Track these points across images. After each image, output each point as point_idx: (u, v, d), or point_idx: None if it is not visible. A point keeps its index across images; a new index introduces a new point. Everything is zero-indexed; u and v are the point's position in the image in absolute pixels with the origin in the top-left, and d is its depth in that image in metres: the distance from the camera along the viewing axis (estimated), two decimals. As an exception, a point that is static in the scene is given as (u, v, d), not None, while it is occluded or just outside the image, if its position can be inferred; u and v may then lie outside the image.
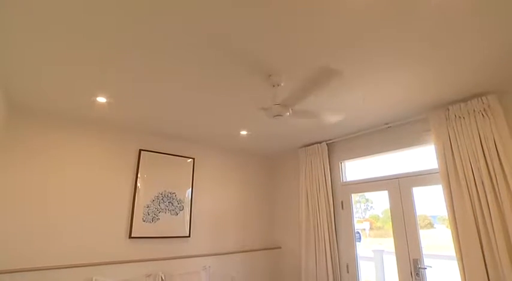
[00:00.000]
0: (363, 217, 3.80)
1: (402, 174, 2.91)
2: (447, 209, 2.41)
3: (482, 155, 2.24)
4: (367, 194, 3.73)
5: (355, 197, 3.39)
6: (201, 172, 3.56)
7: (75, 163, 2.74)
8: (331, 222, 3.28)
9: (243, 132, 3.20)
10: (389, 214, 2.93)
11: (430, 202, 2.84)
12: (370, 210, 3.83)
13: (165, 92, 2.26)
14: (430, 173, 2.69)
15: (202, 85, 2.14)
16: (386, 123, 2.98)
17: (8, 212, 2.36)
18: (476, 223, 2.23)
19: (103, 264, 2.67)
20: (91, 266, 2.61)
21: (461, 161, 2.35)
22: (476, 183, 2.25)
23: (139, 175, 3.02)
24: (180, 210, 3.22)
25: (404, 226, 2.78)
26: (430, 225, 3.00)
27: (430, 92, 2.30)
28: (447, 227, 3.15)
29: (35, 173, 2.53)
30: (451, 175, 2.41)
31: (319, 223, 3.35)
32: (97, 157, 2.87)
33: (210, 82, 2.10)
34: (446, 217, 3.21)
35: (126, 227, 2.87)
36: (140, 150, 3.10)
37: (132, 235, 2.85)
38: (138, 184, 3.00)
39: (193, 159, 3.48)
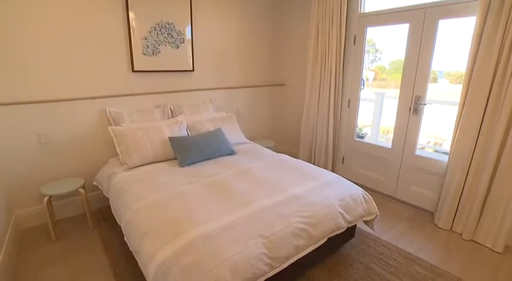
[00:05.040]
0: (369, 68, 3.71)
1: (430, 3, 2.50)
2: (470, 47, 2.19)
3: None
4: (378, 44, 3.46)
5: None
6: (200, 3, 3.11)
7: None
8: (340, 57, 3.13)
9: None
10: (396, 66, 2.76)
11: (441, 56, 2.62)
12: (378, 61, 3.69)
13: None
14: (464, 2, 2.30)
15: None
16: None
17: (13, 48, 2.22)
18: (494, 75, 2.09)
19: (113, 96, 2.76)
20: (102, 98, 2.70)
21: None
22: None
23: (129, 2, 2.63)
24: (181, 43, 3.01)
25: (418, 60, 2.63)
26: (434, 79, 2.94)
27: None
28: (450, 82, 3.13)
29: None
30: (493, 5, 2.04)
31: (327, 58, 3.21)
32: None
33: None
34: (453, 72, 3.13)
35: (127, 61, 2.77)
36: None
37: (135, 69, 2.79)
38: (131, 14, 2.65)
39: (189, -18, 2.95)
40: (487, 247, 2.27)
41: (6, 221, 2.21)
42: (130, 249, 1.69)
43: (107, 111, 2.70)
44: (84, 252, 2.22)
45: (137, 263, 1.58)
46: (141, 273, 1.52)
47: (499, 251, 2.21)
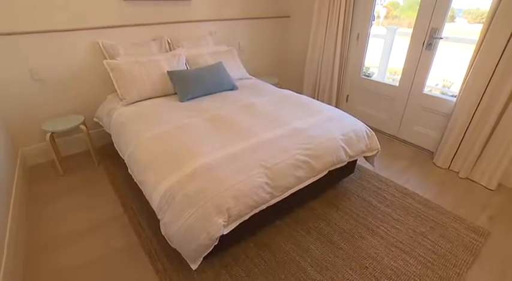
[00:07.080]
0: (381, 4, 3.42)
1: None
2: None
3: None
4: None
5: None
6: None
7: None
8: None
9: None
10: (411, 2, 2.46)
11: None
12: (391, -5, 3.40)
13: None
14: None
15: None
16: None
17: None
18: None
19: (105, 27, 2.55)
20: (94, 30, 2.51)
21: None
22: None
23: None
24: (175, -36, 2.70)
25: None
26: (452, 18, 2.69)
27: None
28: (469, 22, 2.86)
29: None
30: None
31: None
32: None
33: None
34: (474, 10, 2.82)
35: (117, -14, 2.52)
36: None
37: (127, -5, 2.56)
38: None
39: None
40: (481, 185, 2.33)
41: (13, 158, 2.25)
42: (134, 180, 1.74)
43: (100, 44, 2.53)
44: (92, 185, 2.30)
45: (142, 193, 1.63)
46: (147, 201, 1.58)
47: (491, 189, 2.27)
